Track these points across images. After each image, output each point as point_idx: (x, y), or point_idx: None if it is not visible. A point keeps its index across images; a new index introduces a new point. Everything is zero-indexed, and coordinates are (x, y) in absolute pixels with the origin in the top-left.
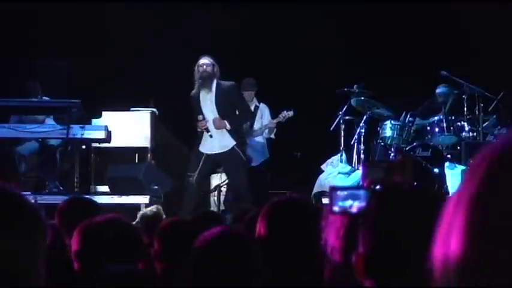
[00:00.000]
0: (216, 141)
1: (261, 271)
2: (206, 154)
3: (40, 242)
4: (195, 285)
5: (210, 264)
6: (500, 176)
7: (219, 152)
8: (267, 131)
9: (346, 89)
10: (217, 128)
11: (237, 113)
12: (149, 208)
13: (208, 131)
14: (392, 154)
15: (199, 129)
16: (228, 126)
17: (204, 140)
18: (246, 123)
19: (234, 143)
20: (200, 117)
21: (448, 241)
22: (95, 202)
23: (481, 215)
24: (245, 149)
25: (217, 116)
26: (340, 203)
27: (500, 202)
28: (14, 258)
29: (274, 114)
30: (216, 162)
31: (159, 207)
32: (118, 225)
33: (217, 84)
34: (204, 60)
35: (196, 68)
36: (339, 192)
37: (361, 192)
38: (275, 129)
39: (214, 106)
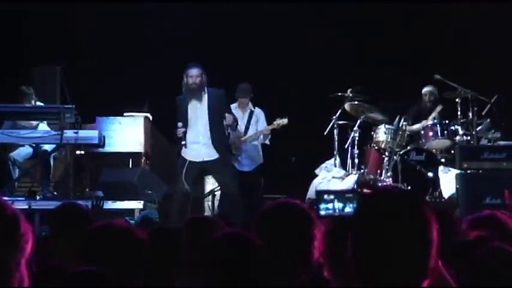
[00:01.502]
0: (203, 148)
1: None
2: (189, 161)
3: (20, 247)
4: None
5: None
6: None
7: (207, 159)
8: (261, 136)
9: (339, 94)
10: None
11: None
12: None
13: (183, 140)
14: (386, 158)
15: (178, 136)
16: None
17: (189, 147)
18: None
19: (218, 154)
20: (179, 124)
21: None
22: (87, 208)
23: None
24: (236, 156)
25: (207, 126)
26: (326, 207)
27: None
28: None
29: (269, 119)
30: (203, 169)
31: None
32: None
33: (208, 92)
34: (193, 71)
35: (185, 77)
36: (325, 196)
37: (349, 196)
38: (269, 135)
39: (207, 114)
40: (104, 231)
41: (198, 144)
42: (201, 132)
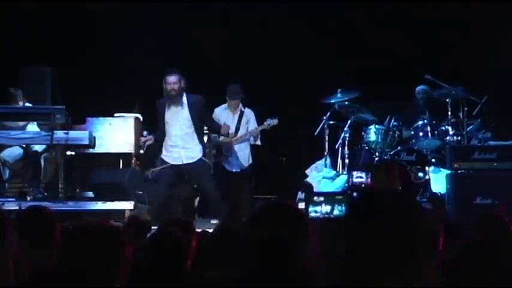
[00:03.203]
0: (183, 151)
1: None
2: (172, 164)
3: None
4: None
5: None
6: None
7: (186, 162)
8: (252, 138)
9: (331, 98)
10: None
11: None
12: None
13: (143, 147)
14: (376, 159)
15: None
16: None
17: (166, 150)
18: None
19: (201, 154)
20: (145, 133)
21: None
22: (51, 211)
23: None
24: (226, 157)
25: (187, 128)
26: (316, 208)
27: None
28: None
29: (259, 120)
30: (182, 172)
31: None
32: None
33: (187, 97)
34: (171, 78)
35: (164, 84)
36: (315, 198)
37: (339, 198)
38: (259, 136)
39: (188, 118)
40: (82, 231)
41: (177, 147)
42: (180, 136)
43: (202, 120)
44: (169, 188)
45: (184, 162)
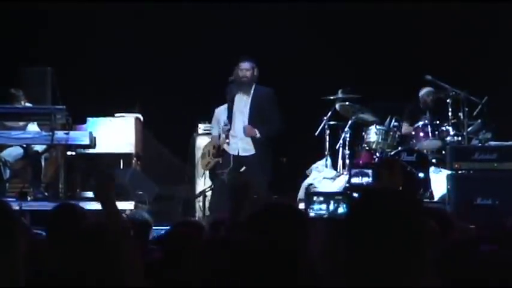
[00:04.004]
0: (240, 143)
1: None
2: (233, 154)
3: (19, 242)
4: None
5: None
6: None
7: (242, 155)
8: None
9: (331, 97)
10: (247, 135)
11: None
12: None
13: (227, 137)
14: (377, 160)
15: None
16: (258, 135)
17: (229, 140)
18: (274, 135)
19: (253, 150)
20: (225, 121)
21: None
22: (82, 208)
23: None
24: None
25: (246, 122)
26: (316, 208)
27: None
28: None
29: None
30: (240, 163)
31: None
32: None
33: (255, 88)
34: (244, 65)
35: (236, 70)
36: (315, 198)
37: (339, 198)
38: None
39: (248, 110)
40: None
41: (235, 138)
42: (240, 127)
43: (265, 114)
44: (233, 177)
45: (241, 154)
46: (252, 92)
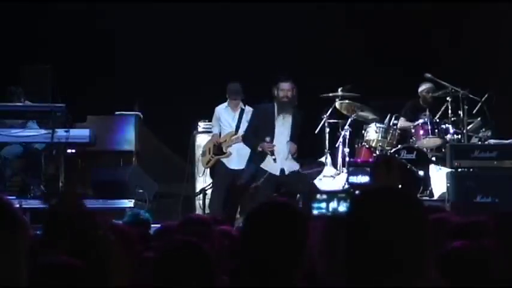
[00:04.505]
0: (279, 163)
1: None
2: (269, 173)
3: (21, 240)
4: None
5: None
6: None
7: (285, 174)
8: None
9: (331, 94)
10: (292, 153)
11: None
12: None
13: (273, 154)
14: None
15: (260, 149)
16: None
17: (267, 160)
18: None
19: (298, 166)
20: (267, 139)
21: None
22: None
23: None
24: (226, 155)
25: (289, 139)
26: (319, 206)
27: None
28: None
29: None
30: (278, 183)
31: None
32: None
33: (294, 110)
34: (285, 85)
35: (275, 90)
36: (318, 196)
37: (342, 196)
38: None
39: (290, 130)
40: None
41: (278, 157)
42: (283, 147)
43: (299, 134)
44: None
45: (286, 173)
46: (293, 112)
